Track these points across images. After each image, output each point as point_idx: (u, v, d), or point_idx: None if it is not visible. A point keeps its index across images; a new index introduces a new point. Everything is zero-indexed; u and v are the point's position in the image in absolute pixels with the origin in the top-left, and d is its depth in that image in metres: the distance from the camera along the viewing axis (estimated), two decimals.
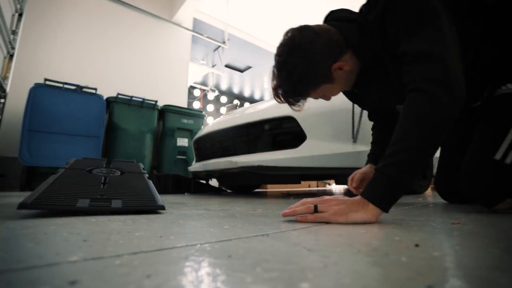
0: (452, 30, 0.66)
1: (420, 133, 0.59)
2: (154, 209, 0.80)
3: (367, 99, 1.00)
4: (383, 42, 0.73)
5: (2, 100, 2.24)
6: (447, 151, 1.10)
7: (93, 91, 2.52)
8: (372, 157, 1.09)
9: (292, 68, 0.76)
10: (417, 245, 0.38)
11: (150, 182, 1.00)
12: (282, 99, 0.83)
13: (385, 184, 0.58)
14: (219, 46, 4.91)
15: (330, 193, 2.42)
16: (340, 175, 1.73)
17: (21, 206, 0.64)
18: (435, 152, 0.62)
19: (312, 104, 1.50)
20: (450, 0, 0.70)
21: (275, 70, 0.81)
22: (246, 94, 7.55)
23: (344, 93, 1.09)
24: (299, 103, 0.84)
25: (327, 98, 0.89)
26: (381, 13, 0.70)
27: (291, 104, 0.83)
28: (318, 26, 0.80)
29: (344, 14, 0.82)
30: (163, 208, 0.80)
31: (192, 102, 6.56)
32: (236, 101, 7.12)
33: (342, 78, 0.82)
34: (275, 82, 0.81)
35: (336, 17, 0.82)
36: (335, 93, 0.88)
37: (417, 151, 0.58)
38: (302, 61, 0.75)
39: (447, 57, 0.61)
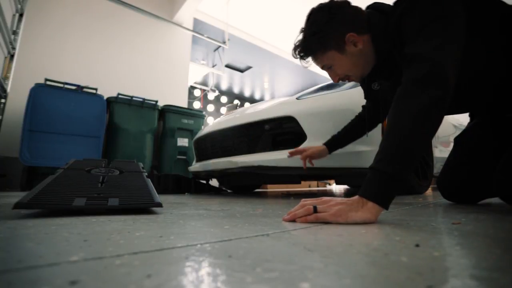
0: (460, 35, 0.66)
1: (404, 130, 0.60)
2: (150, 206, 0.80)
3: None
4: (400, 44, 0.74)
5: (3, 100, 2.25)
6: (457, 154, 1.10)
7: (94, 91, 2.53)
8: (331, 139, 1.29)
9: (313, 21, 0.85)
10: (417, 245, 0.38)
11: (148, 180, 0.99)
12: (295, 51, 0.89)
13: (380, 180, 0.59)
14: (219, 46, 4.91)
15: (330, 193, 2.42)
16: (340, 175, 1.73)
17: (17, 205, 0.64)
18: (424, 146, 0.62)
19: (312, 104, 1.52)
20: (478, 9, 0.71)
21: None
22: (247, 94, 7.55)
23: (364, 91, 1.17)
24: (306, 59, 0.90)
25: (334, 75, 0.91)
26: (400, 14, 0.71)
27: (301, 58, 0.90)
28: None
29: (380, 5, 0.85)
30: (160, 205, 0.80)
31: (193, 102, 6.56)
32: (236, 101, 7.10)
33: (353, 55, 0.85)
34: (298, 36, 0.89)
35: (373, 5, 0.87)
36: (342, 70, 0.89)
37: (404, 146, 0.59)
38: (323, 18, 0.83)
39: (439, 59, 0.62)
